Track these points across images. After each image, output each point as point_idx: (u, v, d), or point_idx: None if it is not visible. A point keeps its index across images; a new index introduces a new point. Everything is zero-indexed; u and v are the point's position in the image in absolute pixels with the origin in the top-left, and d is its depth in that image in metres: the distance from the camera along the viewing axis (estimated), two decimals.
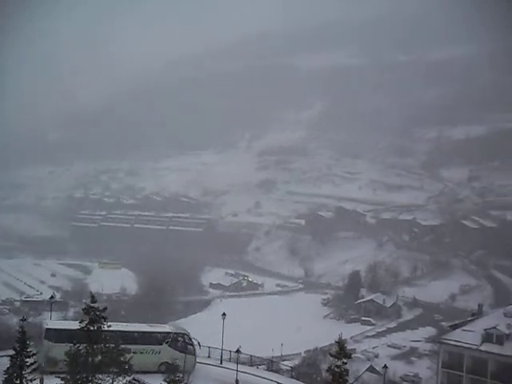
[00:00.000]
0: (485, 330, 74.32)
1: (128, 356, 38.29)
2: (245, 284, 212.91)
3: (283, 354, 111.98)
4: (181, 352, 47.29)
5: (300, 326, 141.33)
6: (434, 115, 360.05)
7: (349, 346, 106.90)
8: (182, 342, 48.16)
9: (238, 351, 46.97)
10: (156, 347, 47.31)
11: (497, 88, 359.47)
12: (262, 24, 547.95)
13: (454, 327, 79.52)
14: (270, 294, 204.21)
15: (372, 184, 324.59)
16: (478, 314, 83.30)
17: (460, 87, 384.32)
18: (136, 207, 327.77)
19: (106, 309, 37.16)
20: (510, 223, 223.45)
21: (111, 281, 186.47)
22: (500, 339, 73.07)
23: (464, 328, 77.64)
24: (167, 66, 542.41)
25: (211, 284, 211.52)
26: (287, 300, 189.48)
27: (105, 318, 36.48)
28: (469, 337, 75.30)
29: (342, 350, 34.37)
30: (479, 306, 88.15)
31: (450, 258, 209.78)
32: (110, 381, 37.23)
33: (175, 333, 48.69)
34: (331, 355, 35.05)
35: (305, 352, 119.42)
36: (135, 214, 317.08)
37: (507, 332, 73.31)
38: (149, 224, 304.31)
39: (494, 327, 73.95)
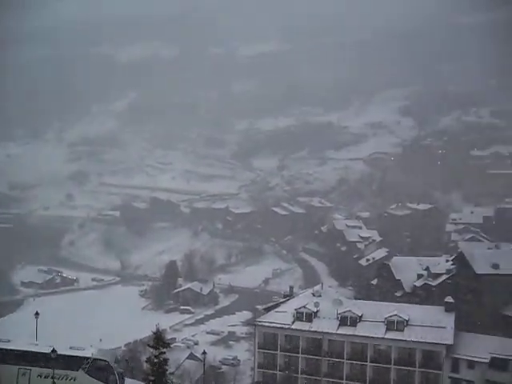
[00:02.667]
0: (295, 309, 79.19)
1: None
2: (59, 280, 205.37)
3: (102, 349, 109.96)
4: (101, 381, 41.64)
5: (118, 319, 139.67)
6: (244, 107, 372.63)
7: (169, 336, 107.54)
8: (103, 370, 41.99)
9: (53, 351, 44.69)
10: (71, 373, 41.73)
11: (303, 82, 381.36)
12: (75, 11, 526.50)
13: (268, 309, 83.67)
14: (85, 289, 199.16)
15: (185, 174, 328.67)
16: (289, 295, 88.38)
17: (269, 80, 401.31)
18: None
19: None
20: (316, 209, 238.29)
21: None
22: (309, 317, 78.32)
23: (277, 309, 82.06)
24: None
25: (23, 282, 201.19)
26: (104, 294, 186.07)
27: None
28: (281, 317, 79.82)
29: (159, 340, 34.79)
30: (290, 287, 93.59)
31: (263, 244, 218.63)
32: None
33: (95, 358, 42.41)
34: (149, 346, 35.35)
35: (124, 345, 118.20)
36: None
37: (315, 310, 78.70)
38: None
39: (304, 306, 79.04)
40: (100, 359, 42.47)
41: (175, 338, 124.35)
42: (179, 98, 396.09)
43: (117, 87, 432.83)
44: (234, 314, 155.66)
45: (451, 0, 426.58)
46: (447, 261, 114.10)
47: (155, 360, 34.64)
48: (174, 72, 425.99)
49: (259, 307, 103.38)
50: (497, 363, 69.94)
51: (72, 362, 42.18)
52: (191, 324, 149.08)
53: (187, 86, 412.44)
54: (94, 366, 41.83)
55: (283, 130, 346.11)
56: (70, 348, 43.78)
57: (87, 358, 42.32)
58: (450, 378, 71.92)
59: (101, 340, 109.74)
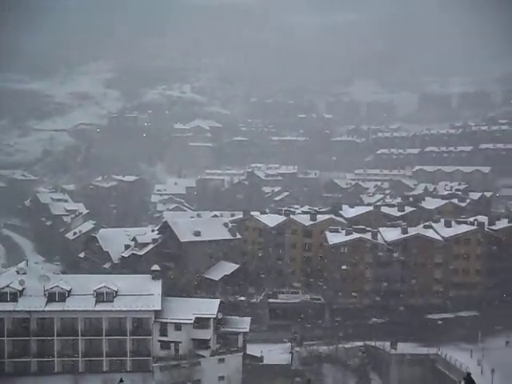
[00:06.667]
0: None
1: None
2: None
3: None
4: None
5: None
6: None
7: None
8: None
9: None
10: None
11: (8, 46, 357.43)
12: None
13: None
14: None
15: None
16: None
17: None
18: None
19: None
20: (19, 182, 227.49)
21: None
22: (14, 296, 74.95)
23: None
24: None
25: None
26: None
27: None
28: None
29: None
30: None
31: None
32: None
33: None
34: None
35: None
36: None
37: (20, 288, 75.57)
38: None
39: (8, 286, 75.35)
40: None
41: None
42: None
43: None
44: None
45: None
46: (153, 230, 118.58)
47: None
48: None
49: None
50: (200, 322, 75.68)
51: None
52: None
53: None
54: None
55: None
56: None
57: None
58: (159, 341, 75.48)
59: None
